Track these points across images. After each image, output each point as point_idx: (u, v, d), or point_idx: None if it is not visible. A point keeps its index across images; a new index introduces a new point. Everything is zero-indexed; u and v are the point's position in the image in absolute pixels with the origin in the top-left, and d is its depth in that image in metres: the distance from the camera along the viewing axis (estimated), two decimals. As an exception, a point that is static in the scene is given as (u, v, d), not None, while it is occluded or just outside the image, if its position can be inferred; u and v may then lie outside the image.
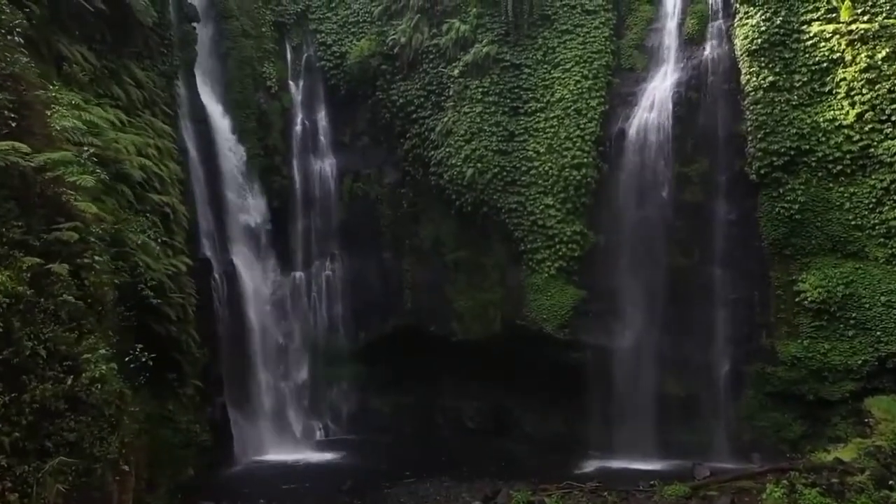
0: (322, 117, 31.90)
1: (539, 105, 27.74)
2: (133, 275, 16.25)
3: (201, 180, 26.10)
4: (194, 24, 26.93)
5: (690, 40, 26.71)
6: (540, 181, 27.24)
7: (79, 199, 10.82)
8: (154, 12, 21.74)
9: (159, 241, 17.44)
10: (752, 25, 24.88)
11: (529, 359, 27.73)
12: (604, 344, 26.70)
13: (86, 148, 11.87)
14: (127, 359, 11.25)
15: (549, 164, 27.11)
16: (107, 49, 19.99)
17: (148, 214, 17.91)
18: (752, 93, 24.80)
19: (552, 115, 27.38)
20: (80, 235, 10.45)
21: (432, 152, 29.02)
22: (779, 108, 24.44)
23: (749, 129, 24.92)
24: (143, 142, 20.00)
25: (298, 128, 31.53)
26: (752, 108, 24.82)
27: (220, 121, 27.91)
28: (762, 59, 24.69)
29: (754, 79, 24.81)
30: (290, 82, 31.55)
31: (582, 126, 26.93)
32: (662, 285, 26.07)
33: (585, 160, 26.75)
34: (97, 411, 9.82)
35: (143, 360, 11.47)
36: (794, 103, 24.35)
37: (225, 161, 27.57)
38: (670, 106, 26.08)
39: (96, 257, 10.77)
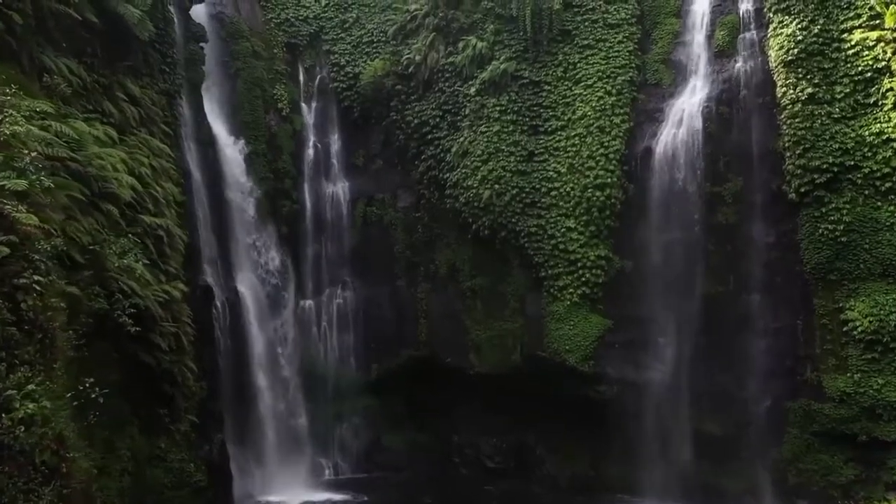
0: (335, 140, 30.97)
1: (560, 123, 26.40)
2: (111, 301, 14.96)
3: (205, 204, 25.06)
4: (202, 45, 26.18)
5: (720, 53, 25.26)
6: (561, 203, 25.80)
7: (20, 210, 9.48)
8: (152, 27, 20.79)
9: (142, 263, 16.09)
10: (787, 35, 23.26)
11: (552, 393, 26.10)
12: (632, 378, 25.04)
13: (27, 151, 10.62)
14: (69, 395, 9.76)
15: (571, 185, 25.69)
16: (99, 63, 19.01)
17: (131, 235, 16.60)
18: (790, 106, 23.12)
19: (574, 133, 26.01)
20: (14, 251, 9.08)
21: (448, 174, 27.73)
22: (819, 121, 22.66)
23: (786, 144, 23.18)
24: (136, 160, 18.88)
25: (310, 150, 30.58)
26: (789, 122, 23.12)
27: (228, 143, 27.07)
28: (799, 70, 23.01)
29: (791, 91, 23.12)
30: (303, 104, 30.72)
31: (605, 144, 25.50)
32: (695, 314, 24.34)
33: (609, 180, 25.27)
34: (25, 458, 8.32)
35: (94, 396, 9.97)
36: (835, 116, 22.57)
37: (231, 184, 26.61)
38: (700, 122, 24.63)
39: (37, 277, 9.37)
